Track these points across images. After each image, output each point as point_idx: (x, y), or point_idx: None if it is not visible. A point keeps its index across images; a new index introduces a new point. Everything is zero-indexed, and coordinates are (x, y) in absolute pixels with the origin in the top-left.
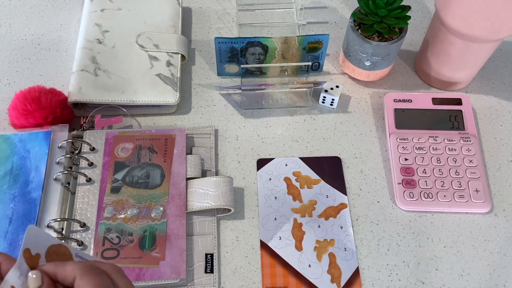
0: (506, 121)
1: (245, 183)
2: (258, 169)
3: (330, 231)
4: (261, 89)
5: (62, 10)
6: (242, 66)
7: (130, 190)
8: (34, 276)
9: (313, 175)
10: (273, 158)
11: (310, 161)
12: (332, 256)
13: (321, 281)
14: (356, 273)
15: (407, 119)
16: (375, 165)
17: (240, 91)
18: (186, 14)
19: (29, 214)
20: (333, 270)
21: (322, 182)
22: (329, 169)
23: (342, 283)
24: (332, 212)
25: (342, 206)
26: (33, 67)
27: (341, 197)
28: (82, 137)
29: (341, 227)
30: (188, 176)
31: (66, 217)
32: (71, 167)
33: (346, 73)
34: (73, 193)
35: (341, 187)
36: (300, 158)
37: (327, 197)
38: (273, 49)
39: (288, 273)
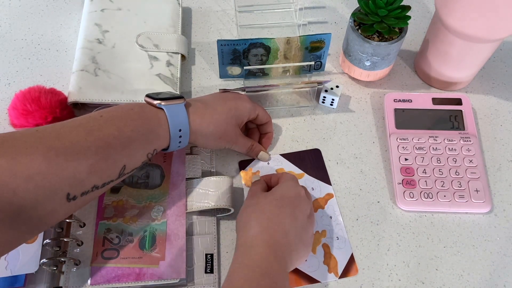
0: (506, 121)
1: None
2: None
3: (320, 222)
4: (266, 90)
5: (62, 10)
6: (245, 67)
7: (130, 190)
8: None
9: (296, 170)
10: (253, 159)
11: (291, 157)
12: (326, 247)
13: (319, 273)
14: (351, 260)
15: (407, 119)
16: (375, 165)
17: (244, 92)
18: (186, 14)
19: None
20: (329, 260)
21: (306, 175)
22: (311, 162)
23: (340, 272)
24: (320, 203)
25: (329, 196)
26: (33, 67)
27: (326, 188)
28: None
29: (331, 217)
30: (188, 176)
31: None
32: None
33: (346, 73)
34: None
35: (325, 177)
36: (280, 154)
37: (313, 189)
38: (275, 50)
39: None
